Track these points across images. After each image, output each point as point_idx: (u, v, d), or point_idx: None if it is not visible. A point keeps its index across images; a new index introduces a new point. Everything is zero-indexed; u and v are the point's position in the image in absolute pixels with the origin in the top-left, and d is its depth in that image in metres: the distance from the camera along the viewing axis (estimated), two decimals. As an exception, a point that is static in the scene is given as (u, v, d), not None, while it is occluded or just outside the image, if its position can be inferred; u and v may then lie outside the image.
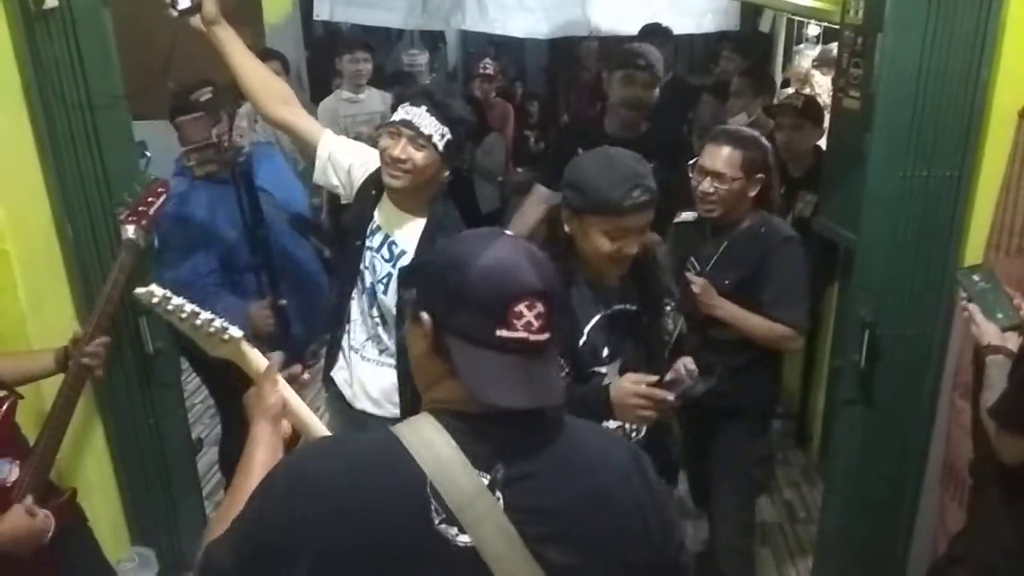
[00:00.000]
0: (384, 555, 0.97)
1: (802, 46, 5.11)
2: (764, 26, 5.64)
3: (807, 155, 3.33)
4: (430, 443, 1.00)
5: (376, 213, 2.11)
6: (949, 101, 2.12)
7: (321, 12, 5.11)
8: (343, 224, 2.38)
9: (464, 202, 3.20)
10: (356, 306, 2.17)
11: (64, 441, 1.99)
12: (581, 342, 1.82)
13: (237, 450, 1.27)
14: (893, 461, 2.44)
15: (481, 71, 5.07)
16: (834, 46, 3.69)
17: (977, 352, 1.74)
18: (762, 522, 3.04)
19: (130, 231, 2.06)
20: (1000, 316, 1.68)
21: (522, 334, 0.99)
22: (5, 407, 1.79)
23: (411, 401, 2.05)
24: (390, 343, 2.11)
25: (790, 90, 4.54)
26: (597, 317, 1.85)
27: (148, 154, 2.40)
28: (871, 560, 2.45)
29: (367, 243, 2.11)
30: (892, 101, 2.15)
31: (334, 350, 2.24)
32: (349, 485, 0.99)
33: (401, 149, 1.95)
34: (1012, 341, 1.64)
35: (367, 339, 2.16)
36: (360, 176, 2.14)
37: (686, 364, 1.81)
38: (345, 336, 2.20)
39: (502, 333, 0.98)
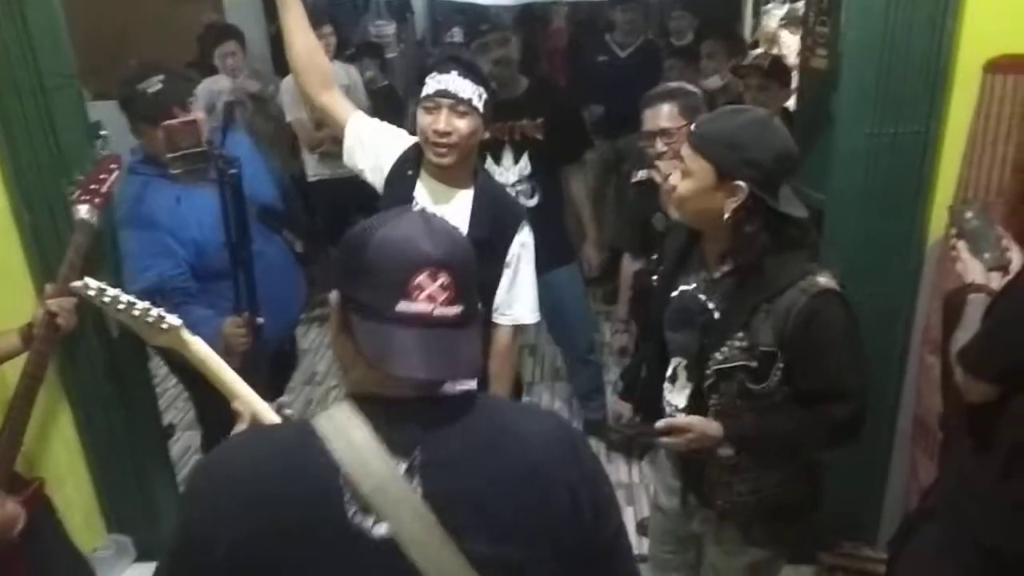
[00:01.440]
0: (298, 546, 0.94)
1: (770, 6, 5.07)
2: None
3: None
4: (344, 430, 0.97)
5: (417, 193, 2.00)
6: (915, 57, 2.11)
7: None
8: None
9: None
10: None
11: (32, 431, 1.96)
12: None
13: (217, 439, 1.25)
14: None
15: (449, 40, 5.00)
16: (801, 4, 3.67)
17: (948, 298, 1.73)
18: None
19: (83, 211, 1.99)
20: (987, 255, 1.65)
21: (424, 306, 0.96)
22: None
23: (476, 386, 2.03)
24: None
25: (760, 51, 4.52)
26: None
27: (104, 133, 2.30)
28: (844, 517, 2.48)
29: None
30: (858, 58, 2.13)
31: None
32: (263, 475, 0.97)
33: (445, 122, 1.87)
34: (996, 281, 1.61)
35: None
36: (391, 158, 2.04)
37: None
38: None
39: (403, 307, 0.95)
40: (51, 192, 2.25)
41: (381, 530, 0.94)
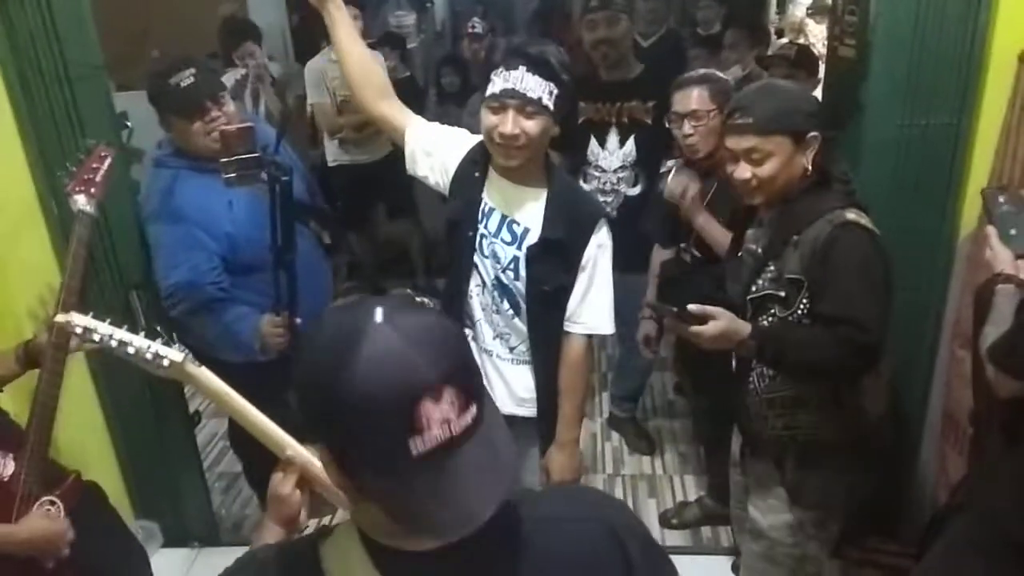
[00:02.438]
0: None
1: (796, -6, 5.02)
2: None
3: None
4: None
5: (485, 194, 1.91)
6: (947, 47, 2.07)
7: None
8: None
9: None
10: (477, 303, 1.97)
11: (60, 418, 1.96)
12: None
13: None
14: (894, 412, 2.43)
15: (470, 31, 4.97)
16: (828, -7, 3.61)
17: (979, 291, 1.71)
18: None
19: (80, 201, 1.95)
20: (1018, 242, 1.59)
21: (442, 434, 0.75)
22: None
23: (547, 399, 1.98)
24: (527, 333, 1.95)
25: (784, 40, 4.47)
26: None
27: (129, 124, 2.30)
28: (873, 511, 2.46)
29: (481, 230, 1.90)
30: (888, 48, 2.10)
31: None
32: None
33: (512, 124, 1.75)
34: None
35: (495, 337, 1.98)
36: (455, 161, 1.94)
37: None
38: (471, 340, 1.99)
39: (418, 448, 0.75)
40: (79, 183, 2.26)
41: None
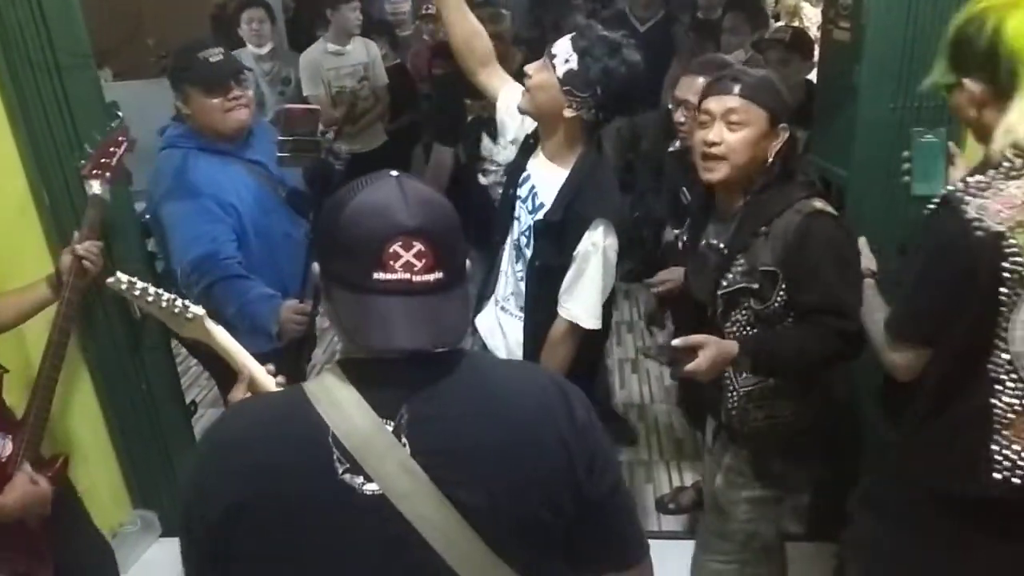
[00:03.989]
0: (291, 506, 0.96)
1: (792, -23, 4.98)
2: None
3: (797, 90, 3.26)
4: (331, 392, 0.98)
5: (530, 161, 2.05)
6: (941, 29, 2.04)
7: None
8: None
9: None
10: (505, 257, 2.12)
11: (57, 408, 1.98)
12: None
13: None
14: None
15: (424, 11, 4.94)
16: (824, -24, 3.58)
17: None
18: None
19: (95, 186, 1.97)
20: (923, 183, 1.64)
21: (402, 275, 0.95)
22: None
23: (531, 359, 2.03)
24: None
25: (781, 23, 4.45)
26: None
27: (120, 114, 2.28)
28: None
29: (517, 191, 2.05)
30: (882, 30, 2.09)
31: (482, 298, 2.20)
32: (255, 439, 0.99)
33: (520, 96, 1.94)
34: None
35: (511, 293, 2.10)
36: (531, 124, 2.07)
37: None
38: (494, 286, 2.16)
39: (379, 276, 0.94)
40: (68, 171, 2.26)
41: (371, 487, 0.95)
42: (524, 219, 2.02)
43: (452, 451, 0.97)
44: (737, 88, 1.69)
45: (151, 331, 2.52)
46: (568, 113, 1.88)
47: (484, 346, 2.17)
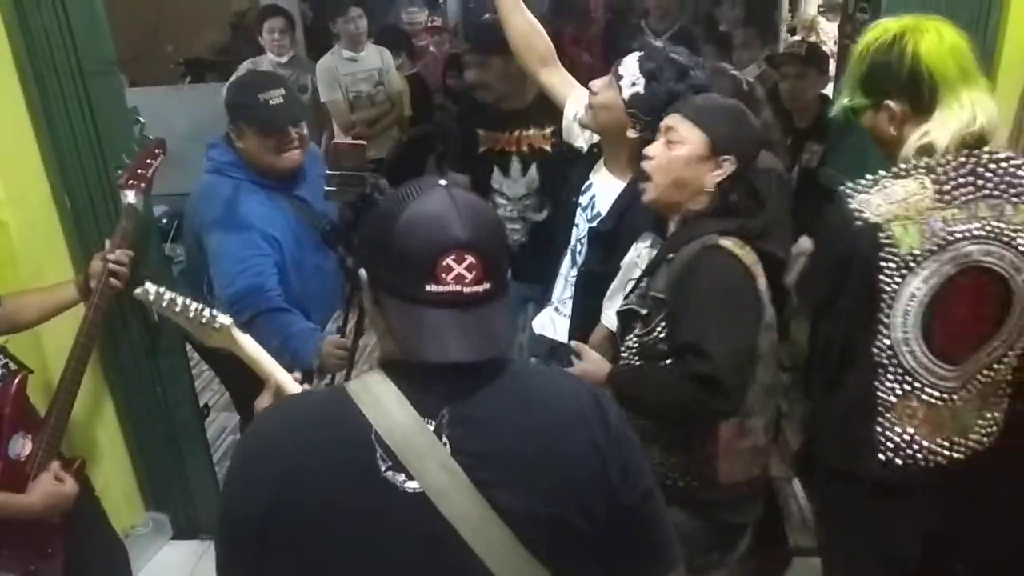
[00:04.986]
0: (334, 505, 0.97)
1: (809, -8, 5.00)
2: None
3: (812, 104, 3.28)
4: (375, 393, 1.00)
5: (593, 172, 2.08)
6: (957, 45, 2.06)
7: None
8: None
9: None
10: (566, 262, 2.14)
11: (73, 412, 2.00)
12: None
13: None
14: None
15: (430, 23, 4.97)
16: (840, -9, 3.60)
17: None
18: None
19: (130, 196, 1.99)
20: None
21: (453, 288, 0.97)
22: (17, 381, 1.79)
23: None
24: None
25: (797, 38, 4.46)
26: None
27: (142, 120, 2.31)
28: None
29: (579, 200, 2.08)
30: (899, 47, 2.09)
31: (544, 299, 2.24)
32: (298, 439, 1.00)
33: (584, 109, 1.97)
34: None
35: (568, 297, 2.12)
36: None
37: None
38: (554, 288, 2.19)
39: (431, 288, 0.96)
40: (91, 178, 2.29)
41: (412, 485, 0.96)
42: (583, 226, 2.06)
43: (491, 453, 0.99)
44: (684, 106, 1.67)
45: (167, 335, 2.54)
46: (631, 134, 1.88)
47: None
